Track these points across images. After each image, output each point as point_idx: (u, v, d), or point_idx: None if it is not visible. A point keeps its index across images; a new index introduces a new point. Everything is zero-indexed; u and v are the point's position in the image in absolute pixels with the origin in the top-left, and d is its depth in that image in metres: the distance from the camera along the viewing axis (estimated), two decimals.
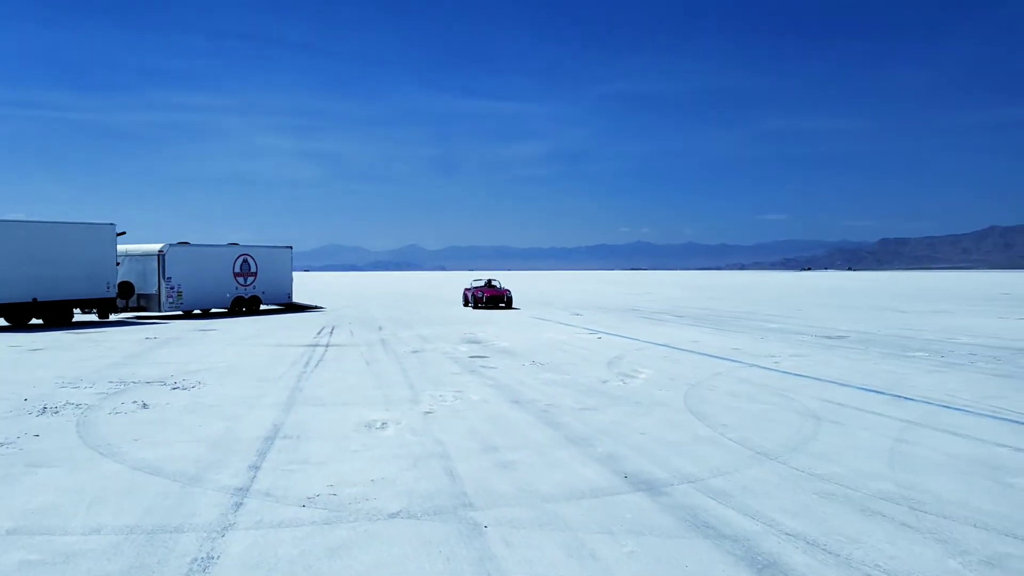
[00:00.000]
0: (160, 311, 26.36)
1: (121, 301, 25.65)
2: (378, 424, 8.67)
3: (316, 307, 33.85)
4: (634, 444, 7.65)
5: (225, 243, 29.63)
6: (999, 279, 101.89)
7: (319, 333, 21.00)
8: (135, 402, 10.15)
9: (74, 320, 24.23)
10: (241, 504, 5.73)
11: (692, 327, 23.01)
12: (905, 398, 10.24)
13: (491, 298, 32.53)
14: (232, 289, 29.17)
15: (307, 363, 14.38)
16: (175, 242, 27.22)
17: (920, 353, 15.55)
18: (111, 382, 12.05)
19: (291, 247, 32.58)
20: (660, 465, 6.83)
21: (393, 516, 5.46)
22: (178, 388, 11.39)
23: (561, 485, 6.25)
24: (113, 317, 26.08)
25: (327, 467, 6.79)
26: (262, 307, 30.80)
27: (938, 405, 9.69)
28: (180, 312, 27.59)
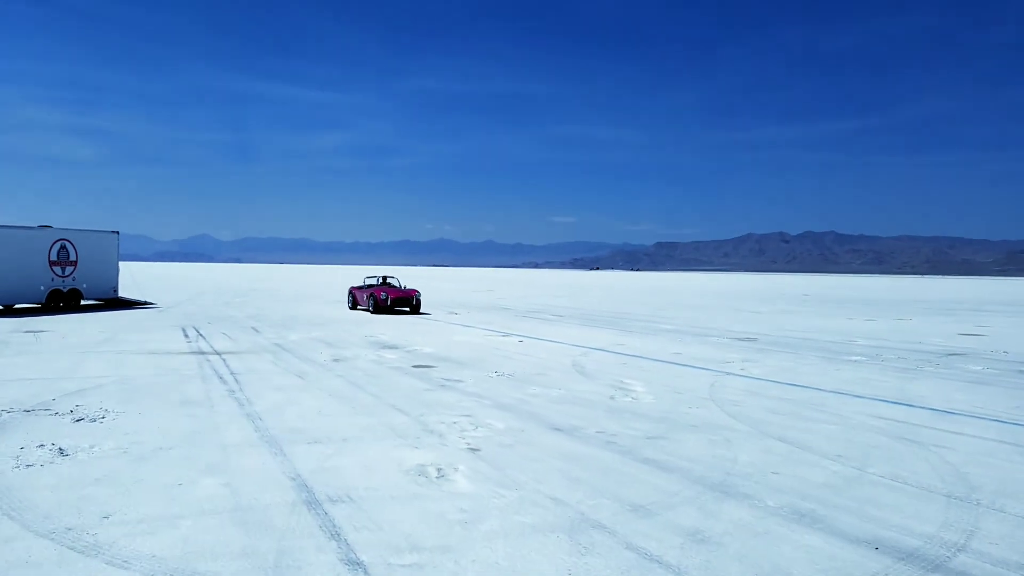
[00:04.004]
0: None
1: None
2: (433, 471, 6.64)
3: (146, 303, 29.20)
4: (795, 491, 6.32)
5: (36, 225, 24.43)
6: (775, 280, 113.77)
7: (185, 337, 17.64)
8: (42, 446, 7.21)
9: None
10: None
11: (593, 328, 22.25)
12: (954, 413, 9.86)
13: (398, 300, 26.57)
14: (47, 281, 24.14)
15: (220, 378, 11.59)
16: None
17: (858, 357, 15.76)
18: None
19: (117, 232, 27.74)
20: (884, 526, 5.57)
21: None
22: (83, 420, 8.41)
23: (825, 570, 4.79)
24: None
25: (449, 558, 4.80)
26: (83, 302, 25.91)
27: (972, 416, 9.38)
28: None
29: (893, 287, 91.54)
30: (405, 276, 70.51)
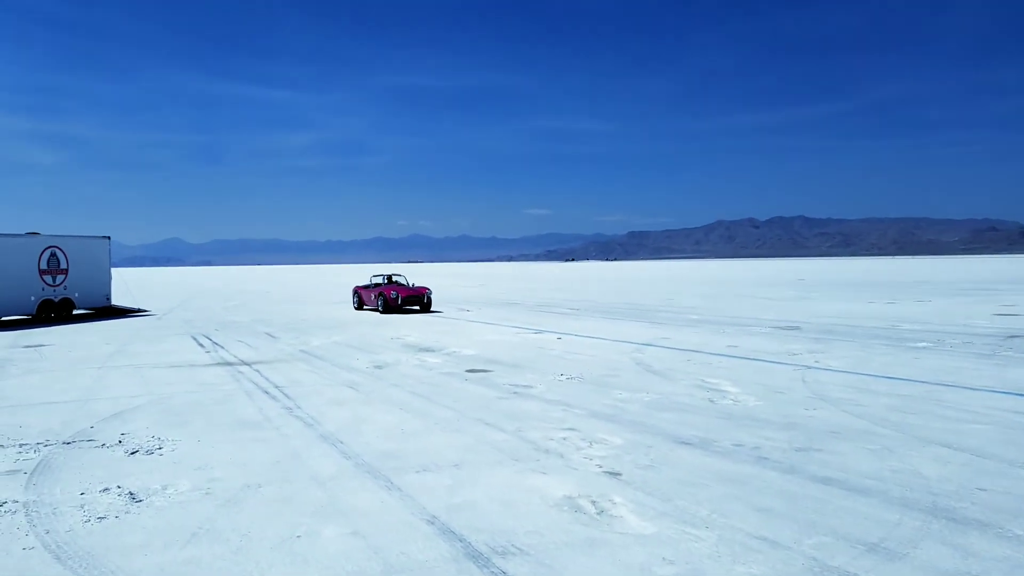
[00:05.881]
0: None
1: None
2: (587, 504, 5.61)
3: (139, 310, 27.69)
4: None
5: (23, 232, 22.86)
6: (753, 266, 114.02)
7: (200, 346, 16.39)
8: (106, 490, 6.06)
9: None
10: None
11: (620, 322, 21.30)
12: None
13: (408, 299, 25.27)
14: (38, 290, 22.62)
15: (266, 393, 10.44)
16: None
17: (923, 343, 14.97)
18: (2, 446, 7.54)
19: (109, 238, 26.21)
20: None
21: None
22: (138, 452, 7.25)
23: None
24: None
25: None
26: (75, 311, 24.39)
27: None
28: None
29: (874, 269, 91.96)
30: (404, 273, 69.09)
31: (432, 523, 5.23)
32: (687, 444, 7.30)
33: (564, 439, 7.57)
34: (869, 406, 8.98)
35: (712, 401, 9.45)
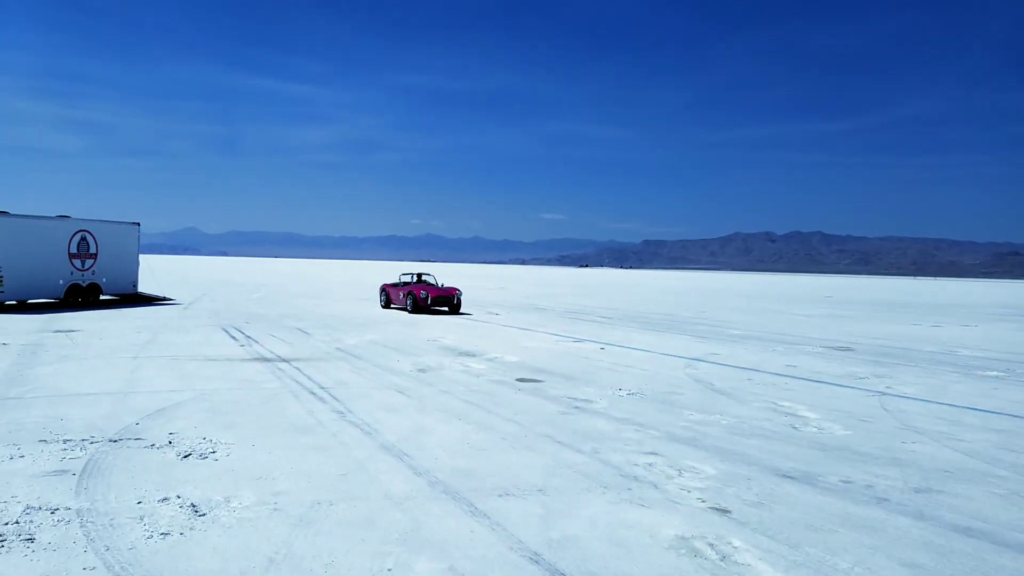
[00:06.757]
0: None
1: None
2: (705, 548, 4.98)
3: (165, 299, 27.29)
4: None
5: (53, 215, 22.50)
6: (773, 280, 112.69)
7: (233, 339, 15.87)
8: (165, 500, 5.49)
9: None
10: None
11: (659, 333, 20.60)
12: None
13: (438, 299, 24.51)
14: (67, 274, 22.23)
15: (313, 394, 9.86)
16: None
17: (994, 372, 14.21)
18: (44, 440, 7.01)
19: (138, 224, 25.82)
20: None
21: None
22: (191, 456, 6.69)
23: None
24: None
25: None
26: (102, 297, 24.00)
27: None
28: None
29: (897, 288, 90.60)
30: (391, 271, 68.73)
31: (536, 562, 4.62)
32: (789, 478, 6.65)
33: (650, 465, 6.94)
34: (971, 442, 8.30)
35: (795, 428, 8.79)
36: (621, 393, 10.72)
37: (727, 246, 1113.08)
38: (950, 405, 10.58)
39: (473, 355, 14.45)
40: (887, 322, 28.12)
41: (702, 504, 5.84)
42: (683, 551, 4.88)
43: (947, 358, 16.43)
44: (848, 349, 17.78)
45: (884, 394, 11.36)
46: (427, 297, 24.48)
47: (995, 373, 14.17)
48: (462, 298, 26.47)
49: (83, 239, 22.66)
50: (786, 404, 10.26)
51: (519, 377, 11.92)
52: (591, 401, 10.05)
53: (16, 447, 6.83)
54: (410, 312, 24.62)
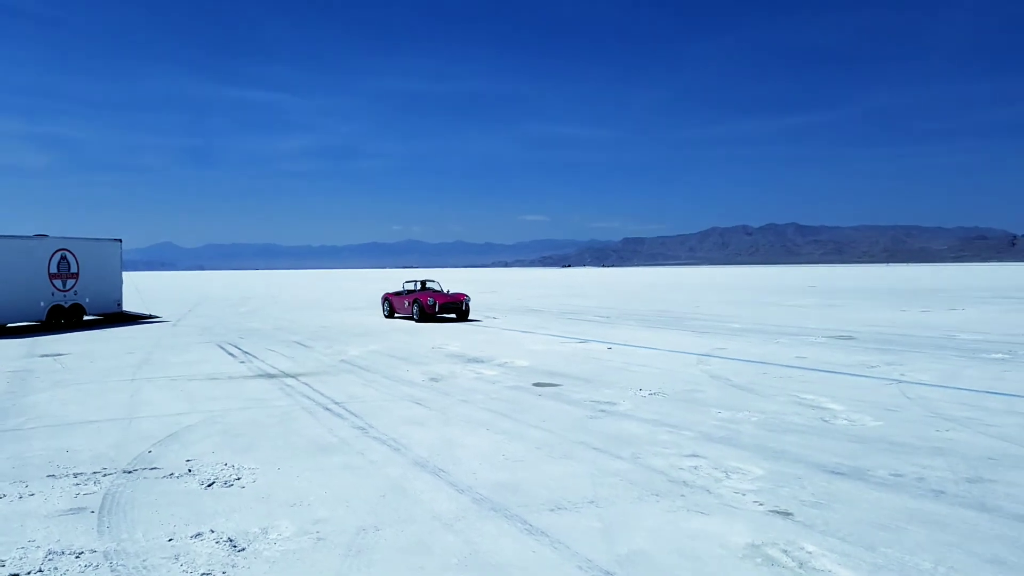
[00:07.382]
0: None
1: None
2: (781, 556, 4.74)
3: (152, 316, 26.68)
4: None
5: (31, 234, 21.83)
6: (753, 273, 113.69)
7: (231, 356, 15.45)
8: (199, 535, 5.15)
9: None
10: None
11: (661, 330, 20.45)
12: None
13: (445, 306, 23.83)
14: (48, 295, 21.60)
15: (328, 411, 9.53)
16: None
17: (998, 355, 14.19)
18: (53, 475, 6.62)
19: (120, 240, 25.20)
20: None
21: None
22: (215, 485, 6.34)
23: None
24: None
25: None
26: (85, 317, 23.38)
27: None
28: None
29: (873, 276, 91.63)
30: (375, 279, 67.99)
31: None
32: (839, 474, 6.45)
33: (695, 468, 6.71)
34: (1001, 426, 8.17)
35: (826, 421, 8.61)
36: (643, 394, 10.50)
37: (705, 241, 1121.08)
38: (968, 390, 10.49)
39: (482, 361, 14.17)
40: (877, 309, 28.24)
41: (761, 507, 5.62)
42: (759, 560, 4.65)
43: (948, 343, 16.42)
44: (850, 338, 17.73)
45: (900, 382, 11.25)
46: (435, 304, 23.75)
47: (999, 355, 14.15)
48: (470, 304, 25.96)
49: (63, 258, 22.05)
50: (809, 397, 10.10)
51: (535, 382, 11.66)
52: (615, 403, 9.81)
53: (24, 484, 6.44)
54: (417, 321, 23.89)
